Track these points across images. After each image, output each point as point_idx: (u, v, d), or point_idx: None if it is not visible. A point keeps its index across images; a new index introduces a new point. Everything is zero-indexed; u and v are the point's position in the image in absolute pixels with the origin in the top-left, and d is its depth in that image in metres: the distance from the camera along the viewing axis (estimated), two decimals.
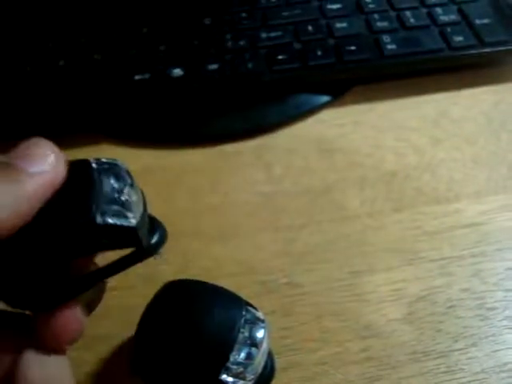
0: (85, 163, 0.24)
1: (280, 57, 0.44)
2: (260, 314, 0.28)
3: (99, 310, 0.30)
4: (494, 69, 0.46)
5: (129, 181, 0.24)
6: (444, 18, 0.46)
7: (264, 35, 0.45)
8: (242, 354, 0.26)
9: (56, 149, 0.23)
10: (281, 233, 0.37)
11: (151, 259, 0.24)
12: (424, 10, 0.47)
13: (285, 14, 0.47)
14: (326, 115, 0.44)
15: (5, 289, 0.23)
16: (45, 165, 0.22)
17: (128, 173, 0.24)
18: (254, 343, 0.27)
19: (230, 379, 0.26)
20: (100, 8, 0.48)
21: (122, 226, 0.23)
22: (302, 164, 0.41)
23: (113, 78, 0.43)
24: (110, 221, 0.22)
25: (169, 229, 0.38)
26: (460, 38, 0.44)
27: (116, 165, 0.24)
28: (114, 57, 0.45)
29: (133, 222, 0.23)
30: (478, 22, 0.45)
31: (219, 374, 0.26)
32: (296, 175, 0.40)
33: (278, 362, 0.31)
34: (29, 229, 0.21)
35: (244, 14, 0.47)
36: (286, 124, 0.43)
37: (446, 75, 0.45)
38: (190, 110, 0.44)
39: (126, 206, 0.23)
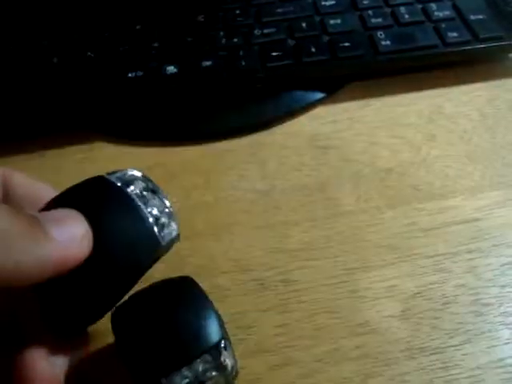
0: (111, 185, 0.24)
1: (274, 53, 0.44)
2: (228, 362, 0.27)
3: None
4: (488, 65, 0.46)
5: (160, 190, 0.26)
6: (438, 14, 0.46)
7: (258, 32, 0.45)
8: (181, 381, 0.26)
9: (88, 227, 0.23)
10: (275, 230, 0.37)
11: None
12: (418, 6, 0.47)
13: (279, 10, 0.47)
14: (321, 112, 0.44)
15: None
16: (73, 238, 0.22)
17: (150, 180, 0.26)
18: (200, 381, 0.27)
19: None
20: (93, 5, 0.48)
21: (175, 237, 0.25)
22: (297, 161, 0.41)
23: (106, 76, 0.43)
24: (170, 237, 0.25)
25: None
26: (454, 34, 0.44)
27: (135, 176, 0.25)
28: (107, 54, 0.44)
29: (177, 229, 0.25)
30: (472, 17, 0.45)
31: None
32: (290, 172, 0.40)
33: (274, 359, 0.31)
34: (100, 265, 0.23)
35: (238, 11, 0.47)
36: (281, 121, 0.43)
37: (441, 71, 0.45)
38: (183, 108, 0.44)
39: (171, 216, 0.25)
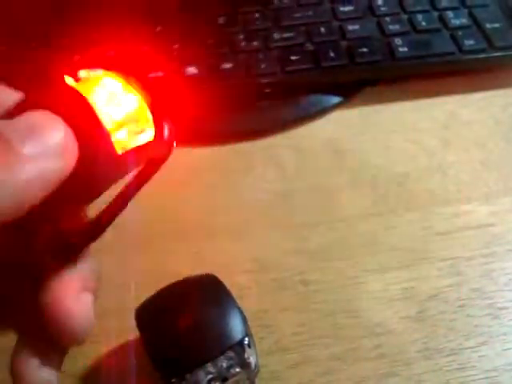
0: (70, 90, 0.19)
1: (293, 57, 0.44)
2: (251, 359, 0.28)
3: (114, 304, 0.31)
4: (503, 72, 0.46)
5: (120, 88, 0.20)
6: (455, 22, 0.46)
7: (277, 36, 0.46)
8: (206, 377, 0.27)
9: (66, 127, 0.18)
10: (294, 231, 0.38)
11: None
12: (435, 14, 0.47)
13: (297, 15, 0.47)
14: (337, 116, 0.45)
15: None
16: (50, 145, 0.17)
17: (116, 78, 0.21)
18: (224, 377, 0.27)
19: None
20: (115, 6, 0.49)
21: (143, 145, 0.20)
22: (314, 164, 0.41)
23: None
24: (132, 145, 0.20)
25: (182, 227, 0.39)
26: (471, 42, 0.45)
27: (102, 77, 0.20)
28: (127, 54, 0.45)
29: (149, 133, 0.20)
30: (488, 26, 0.46)
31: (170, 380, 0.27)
32: (308, 174, 0.41)
33: (293, 358, 0.32)
34: None
35: (257, 15, 0.47)
36: (298, 124, 0.44)
37: (457, 78, 0.46)
38: (203, 109, 0.44)
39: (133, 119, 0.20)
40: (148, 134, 0.21)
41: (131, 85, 0.21)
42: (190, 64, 0.44)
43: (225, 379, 0.28)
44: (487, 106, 0.45)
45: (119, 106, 0.20)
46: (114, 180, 0.20)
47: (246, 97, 0.45)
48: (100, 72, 0.21)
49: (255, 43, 0.45)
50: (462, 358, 0.32)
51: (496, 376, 0.31)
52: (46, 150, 0.17)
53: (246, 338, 0.28)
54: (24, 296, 0.21)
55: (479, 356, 0.32)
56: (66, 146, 0.17)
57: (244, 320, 0.29)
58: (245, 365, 0.28)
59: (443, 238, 0.37)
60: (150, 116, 0.21)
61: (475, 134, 0.43)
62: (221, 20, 0.47)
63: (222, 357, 0.28)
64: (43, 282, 0.20)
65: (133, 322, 0.29)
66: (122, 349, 0.32)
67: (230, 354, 0.28)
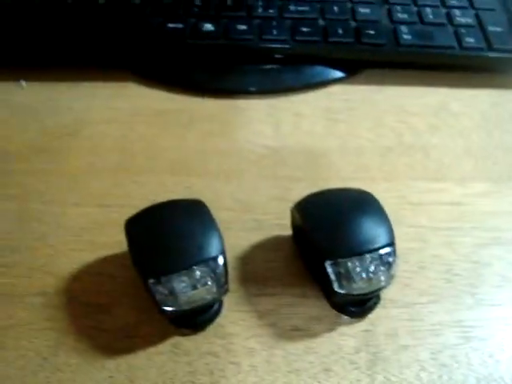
0: None
1: (304, 29, 0.47)
2: (223, 277, 0.31)
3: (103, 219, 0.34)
4: (497, 74, 0.49)
5: None
6: (460, 20, 0.49)
7: (293, 8, 0.49)
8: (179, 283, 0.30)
9: None
10: (279, 182, 0.41)
11: None
12: (443, 10, 0.50)
13: None
14: (338, 90, 0.48)
15: None
16: None
17: None
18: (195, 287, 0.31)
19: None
20: None
21: None
22: (308, 127, 0.44)
23: (148, 23, 0.47)
24: None
25: (178, 165, 0.42)
26: (471, 40, 0.48)
27: None
28: (151, 3, 0.48)
29: None
30: (490, 28, 0.49)
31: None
32: (301, 136, 0.44)
33: (260, 288, 0.35)
34: None
35: None
36: (300, 91, 0.47)
37: (454, 72, 0.49)
38: (214, 63, 0.47)
39: None
40: None
41: None
42: (208, 20, 0.47)
43: (195, 288, 0.31)
44: (477, 102, 0.48)
45: None
46: None
47: (256, 58, 0.48)
48: None
49: (271, 11, 0.48)
50: (413, 311, 0.35)
51: (439, 329, 0.34)
52: None
53: (222, 256, 0.31)
54: None
55: (428, 311, 0.35)
56: None
57: (222, 242, 0.32)
58: (216, 280, 0.31)
59: (414, 207, 0.40)
60: None
61: (462, 125, 0.46)
62: None
63: (196, 267, 0.30)
64: None
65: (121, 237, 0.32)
66: (109, 260, 0.36)
67: (204, 267, 0.31)
